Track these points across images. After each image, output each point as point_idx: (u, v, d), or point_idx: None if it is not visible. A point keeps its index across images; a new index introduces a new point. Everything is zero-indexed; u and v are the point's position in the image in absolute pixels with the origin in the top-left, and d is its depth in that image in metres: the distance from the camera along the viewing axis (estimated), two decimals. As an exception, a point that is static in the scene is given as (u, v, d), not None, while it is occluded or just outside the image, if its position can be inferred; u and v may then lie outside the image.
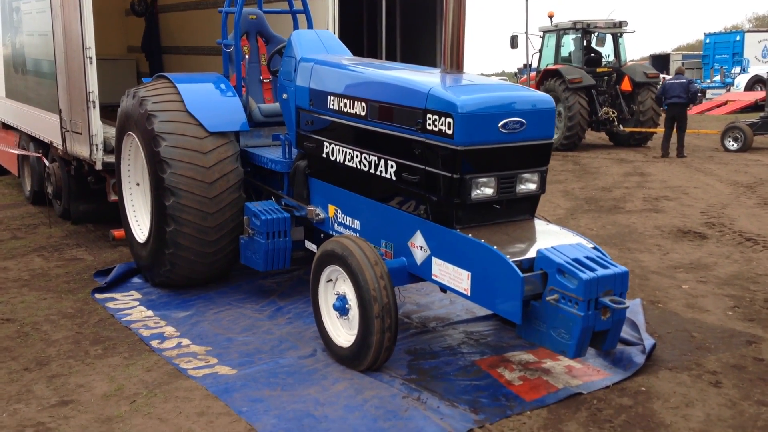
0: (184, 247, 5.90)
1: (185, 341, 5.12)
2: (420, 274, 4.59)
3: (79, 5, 7.18)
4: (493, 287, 4.01)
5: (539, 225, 4.51)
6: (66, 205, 9.09)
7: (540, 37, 18.74)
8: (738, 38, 36.66)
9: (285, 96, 5.85)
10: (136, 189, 6.82)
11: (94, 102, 7.31)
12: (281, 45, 6.37)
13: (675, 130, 15.15)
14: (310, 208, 5.58)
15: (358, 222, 5.12)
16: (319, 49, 5.79)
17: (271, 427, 3.85)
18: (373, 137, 4.79)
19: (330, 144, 5.26)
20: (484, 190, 4.25)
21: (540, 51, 18.72)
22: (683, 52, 47.75)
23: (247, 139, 6.37)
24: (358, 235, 5.10)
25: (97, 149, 7.39)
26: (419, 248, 4.53)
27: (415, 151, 4.40)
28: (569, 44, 18.11)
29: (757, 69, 32.20)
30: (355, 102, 4.92)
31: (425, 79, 4.55)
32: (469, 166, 4.16)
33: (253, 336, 5.18)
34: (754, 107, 26.57)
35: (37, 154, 9.47)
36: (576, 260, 3.87)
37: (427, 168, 4.34)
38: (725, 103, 28.61)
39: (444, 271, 4.35)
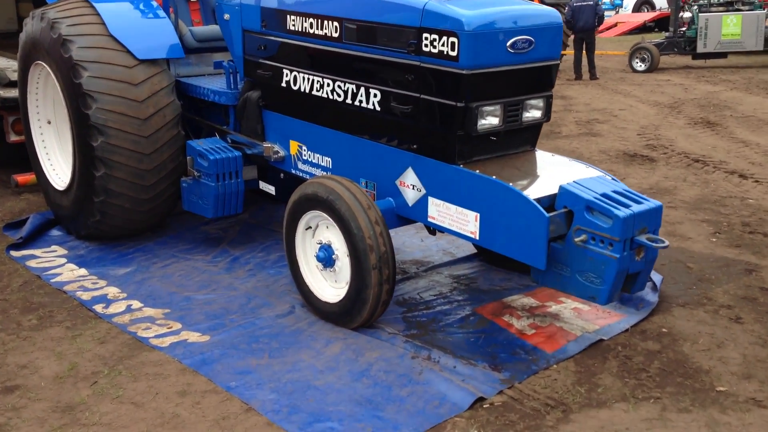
0: (117, 193, 5.14)
1: (135, 303, 4.44)
2: (411, 216, 4.09)
3: None
4: (510, 229, 3.56)
5: (544, 157, 4.07)
6: (-54, 147, 7.96)
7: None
8: (626, -40, 37.10)
9: (227, 17, 5.08)
10: (48, 128, 5.92)
11: (-17, 27, 6.29)
12: (218, -43, 5.56)
13: (584, 52, 15.08)
14: (266, 144, 4.92)
15: (329, 159, 4.53)
16: (266, -38, 5.04)
17: (271, 404, 3.31)
18: (349, 62, 4.17)
19: (291, 71, 4.60)
20: (490, 119, 3.74)
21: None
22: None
23: (177, 67, 5.59)
24: (329, 173, 4.53)
25: (-10, 83, 6.41)
26: (410, 187, 4.01)
27: (407, 77, 3.82)
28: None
29: (644, -10, 32.75)
30: (325, 21, 4.26)
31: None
32: (476, 93, 3.64)
33: (214, 293, 4.56)
34: (643, 28, 27.06)
35: None
36: (605, 195, 3.46)
37: (422, 96, 3.78)
38: (615, 24, 28.99)
39: (444, 213, 3.86)
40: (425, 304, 4.30)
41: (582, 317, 4.09)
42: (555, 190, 3.54)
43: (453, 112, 3.65)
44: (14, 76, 6.93)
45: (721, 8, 16.27)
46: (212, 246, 5.41)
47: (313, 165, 4.67)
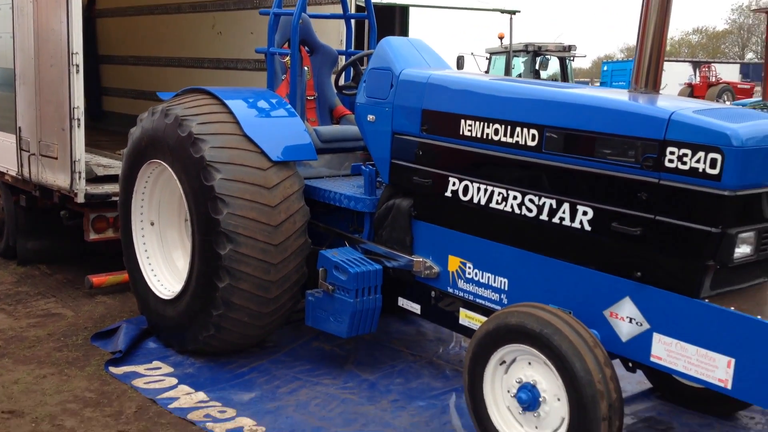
0: (238, 306, 4.58)
1: (283, 442, 3.83)
2: (624, 353, 3.53)
3: (66, 2, 5.75)
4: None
5: (784, 290, 3.56)
6: (11, 242, 7.42)
7: (486, 58, 18.16)
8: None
9: (371, 118, 4.67)
10: (150, 230, 5.39)
11: (79, 120, 5.89)
12: (360, 54, 5.22)
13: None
14: (416, 258, 4.42)
15: (504, 280, 4.01)
16: (418, 62, 4.66)
17: None
18: (550, 175, 3.71)
19: (461, 181, 4.14)
20: (744, 248, 3.24)
21: (486, 72, 18.15)
22: (577, 80, 49.08)
23: (300, 169, 5.10)
24: (505, 296, 4.01)
25: (79, 178, 5.94)
26: (625, 320, 3.48)
27: (640, 196, 3.35)
28: (518, 66, 17.64)
29: (652, 97, 33.22)
30: (518, 128, 3.83)
31: (639, 100, 3.53)
32: (735, 218, 3.17)
33: (368, 430, 3.94)
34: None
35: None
36: None
37: (658, 218, 3.30)
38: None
39: (677, 354, 3.30)
40: (633, 457, 3.71)
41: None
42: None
43: (705, 238, 3.16)
44: (101, 172, 6.51)
45: None
46: (336, 367, 4.82)
47: (480, 285, 4.14)
